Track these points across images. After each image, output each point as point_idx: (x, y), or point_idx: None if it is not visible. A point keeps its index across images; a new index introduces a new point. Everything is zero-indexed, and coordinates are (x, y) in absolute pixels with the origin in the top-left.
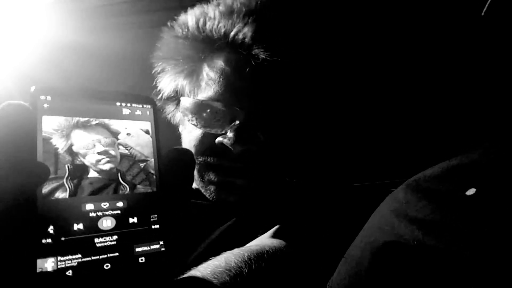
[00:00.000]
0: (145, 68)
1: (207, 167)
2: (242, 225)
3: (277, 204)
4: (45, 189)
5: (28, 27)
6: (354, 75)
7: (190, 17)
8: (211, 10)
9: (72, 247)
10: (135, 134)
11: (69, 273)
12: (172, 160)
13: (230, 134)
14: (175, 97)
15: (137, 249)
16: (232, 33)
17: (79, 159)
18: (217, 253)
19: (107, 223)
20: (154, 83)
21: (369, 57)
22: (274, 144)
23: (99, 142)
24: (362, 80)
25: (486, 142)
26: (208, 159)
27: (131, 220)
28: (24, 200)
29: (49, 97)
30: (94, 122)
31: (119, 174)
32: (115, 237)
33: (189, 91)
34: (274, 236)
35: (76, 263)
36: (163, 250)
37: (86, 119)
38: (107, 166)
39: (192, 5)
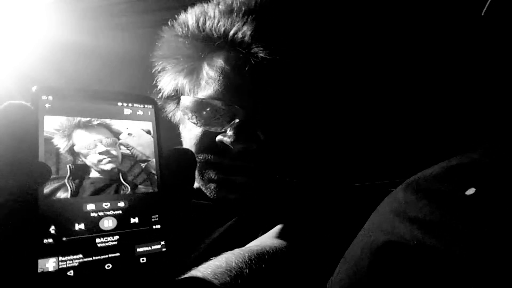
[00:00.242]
0: (145, 68)
1: (207, 165)
2: (243, 225)
3: (277, 204)
4: (47, 189)
5: (28, 27)
6: (354, 74)
7: (190, 16)
8: (211, 9)
9: (73, 247)
10: (137, 134)
11: (71, 273)
12: (173, 160)
13: (229, 132)
14: (176, 96)
15: (138, 249)
16: (231, 32)
17: (80, 159)
18: (217, 253)
19: (108, 223)
20: (154, 82)
21: (368, 56)
22: (274, 143)
23: (101, 142)
24: (362, 79)
25: (486, 142)
26: (209, 157)
27: (132, 220)
28: (26, 200)
29: (50, 97)
30: (95, 122)
31: (120, 174)
32: (116, 237)
33: (189, 90)
34: (275, 236)
35: (78, 263)
36: (164, 250)
37: (88, 119)
38: (108, 166)
39: (192, 4)
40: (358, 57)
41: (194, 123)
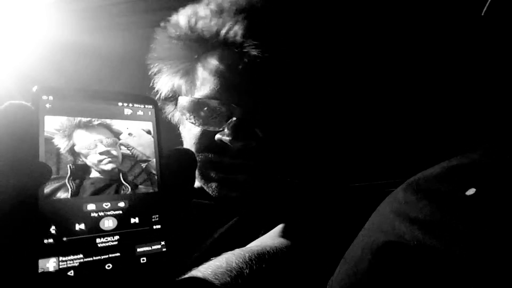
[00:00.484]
0: (145, 68)
1: (208, 165)
2: (243, 225)
3: (278, 204)
4: (47, 189)
5: (28, 27)
6: (354, 73)
7: (181, 17)
8: (202, 9)
9: (73, 247)
10: (137, 134)
11: (71, 273)
12: (173, 161)
13: (228, 131)
14: (173, 97)
15: (138, 249)
16: (223, 31)
17: (81, 159)
18: (218, 253)
19: (108, 223)
20: (151, 84)
21: (368, 56)
22: (272, 140)
23: (101, 142)
24: (361, 79)
25: (486, 143)
26: (209, 156)
27: (132, 220)
28: (26, 200)
29: (51, 97)
30: (96, 122)
31: (120, 174)
32: (116, 237)
33: (186, 91)
34: (275, 236)
35: (78, 263)
36: (164, 251)
37: (88, 119)
38: (108, 166)
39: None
40: (358, 57)
41: (192, 123)
